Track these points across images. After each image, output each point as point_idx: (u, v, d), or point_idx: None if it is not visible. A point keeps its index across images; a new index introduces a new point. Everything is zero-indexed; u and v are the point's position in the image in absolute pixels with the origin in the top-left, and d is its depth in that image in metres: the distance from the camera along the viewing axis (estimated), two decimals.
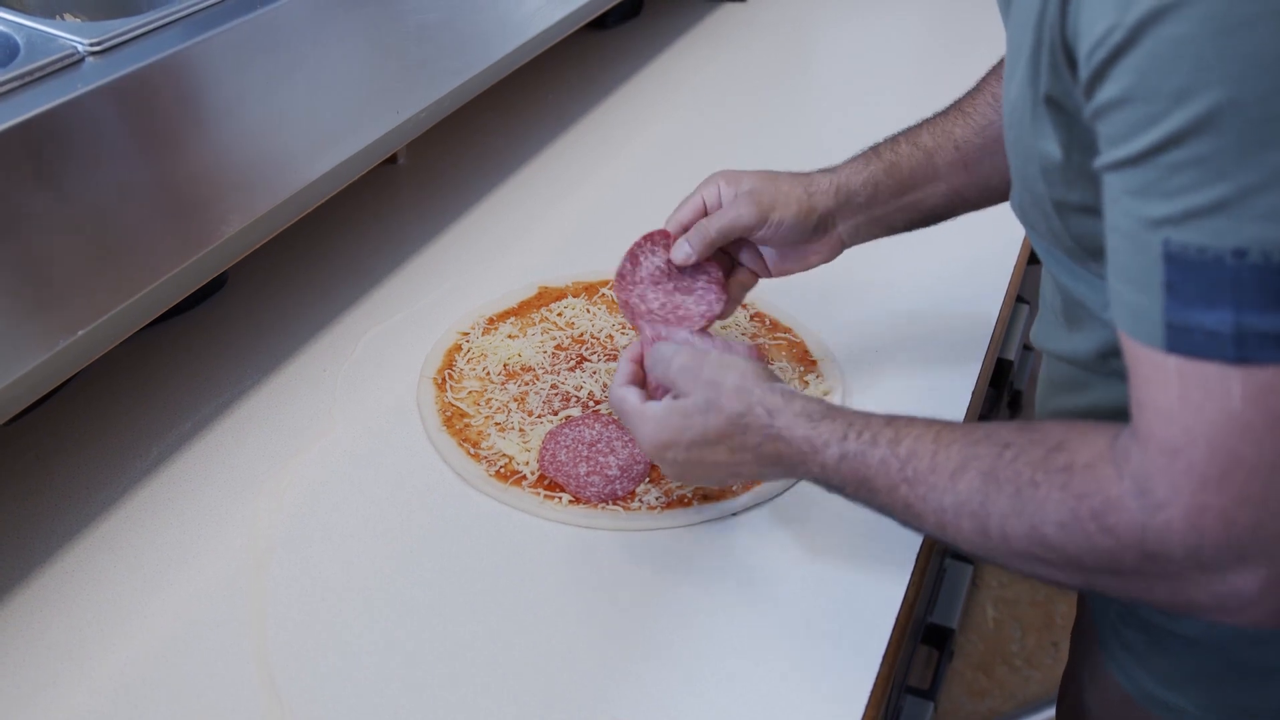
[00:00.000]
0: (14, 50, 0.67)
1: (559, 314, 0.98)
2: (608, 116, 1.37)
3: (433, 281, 1.05)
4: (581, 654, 0.69)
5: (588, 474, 0.80)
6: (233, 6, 0.75)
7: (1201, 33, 0.42)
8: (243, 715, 0.65)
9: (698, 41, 1.58)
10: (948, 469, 0.56)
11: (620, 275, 0.82)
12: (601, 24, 1.58)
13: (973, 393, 0.90)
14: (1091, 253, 0.57)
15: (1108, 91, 0.47)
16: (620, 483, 0.80)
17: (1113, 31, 0.45)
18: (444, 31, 0.96)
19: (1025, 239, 1.07)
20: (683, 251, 0.79)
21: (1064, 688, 0.88)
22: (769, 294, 0.99)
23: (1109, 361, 0.64)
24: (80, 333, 0.66)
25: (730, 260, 0.83)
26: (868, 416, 0.62)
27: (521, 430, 0.85)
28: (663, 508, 0.78)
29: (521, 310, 0.99)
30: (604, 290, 1.01)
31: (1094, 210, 0.52)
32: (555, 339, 0.95)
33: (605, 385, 0.89)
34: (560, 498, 0.79)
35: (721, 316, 0.82)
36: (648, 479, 0.80)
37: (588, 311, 0.98)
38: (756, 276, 0.83)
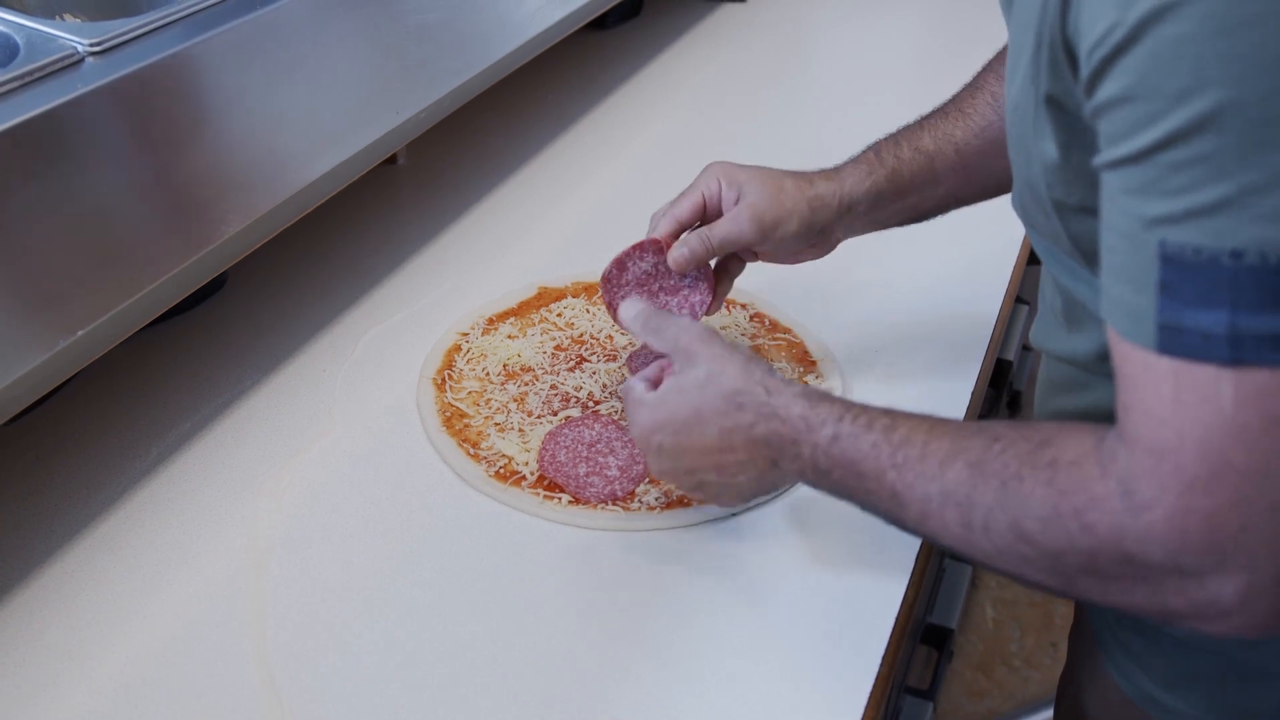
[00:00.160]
0: (14, 50, 0.67)
1: (559, 314, 0.98)
2: (608, 116, 1.37)
3: (433, 281, 1.05)
4: (581, 654, 0.69)
5: (587, 474, 0.80)
6: (233, 6, 0.75)
7: (1203, 32, 0.42)
8: (243, 715, 0.65)
9: (698, 41, 1.58)
10: (937, 458, 0.56)
11: (606, 279, 0.81)
12: (601, 24, 1.58)
13: (972, 393, 0.90)
14: (1089, 255, 0.57)
15: (1108, 89, 0.46)
16: (620, 483, 0.80)
17: (1114, 29, 0.45)
18: (444, 31, 0.96)
19: (1025, 239, 1.07)
20: (683, 253, 0.79)
21: (1062, 689, 0.88)
22: (769, 294, 0.99)
23: (1108, 362, 0.64)
24: (80, 333, 0.66)
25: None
26: (865, 405, 0.62)
27: (521, 431, 0.85)
28: (662, 508, 0.78)
29: (521, 310, 0.99)
30: None
31: (1093, 211, 0.52)
32: (555, 339, 0.95)
33: (605, 386, 0.89)
34: (560, 498, 0.79)
35: (710, 310, 0.82)
36: (647, 479, 0.80)
37: (587, 312, 0.98)
38: (744, 264, 0.84)
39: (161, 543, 0.77)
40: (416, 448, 0.85)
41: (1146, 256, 0.46)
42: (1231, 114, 0.42)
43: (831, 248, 0.83)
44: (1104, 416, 0.54)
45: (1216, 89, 0.42)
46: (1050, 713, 1.06)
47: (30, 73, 0.64)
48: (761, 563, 0.75)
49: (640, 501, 0.79)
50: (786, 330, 0.96)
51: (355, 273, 1.06)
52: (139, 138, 0.69)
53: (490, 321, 0.97)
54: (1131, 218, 0.47)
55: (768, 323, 0.97)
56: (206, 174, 0.74)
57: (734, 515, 0.78)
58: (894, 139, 0.81)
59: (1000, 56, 0.81)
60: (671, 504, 0.79)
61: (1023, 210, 0.64)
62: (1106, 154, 0.48)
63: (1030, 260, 1.11)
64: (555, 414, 0.86)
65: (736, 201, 0.79)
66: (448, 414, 0.87)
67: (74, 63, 0.66)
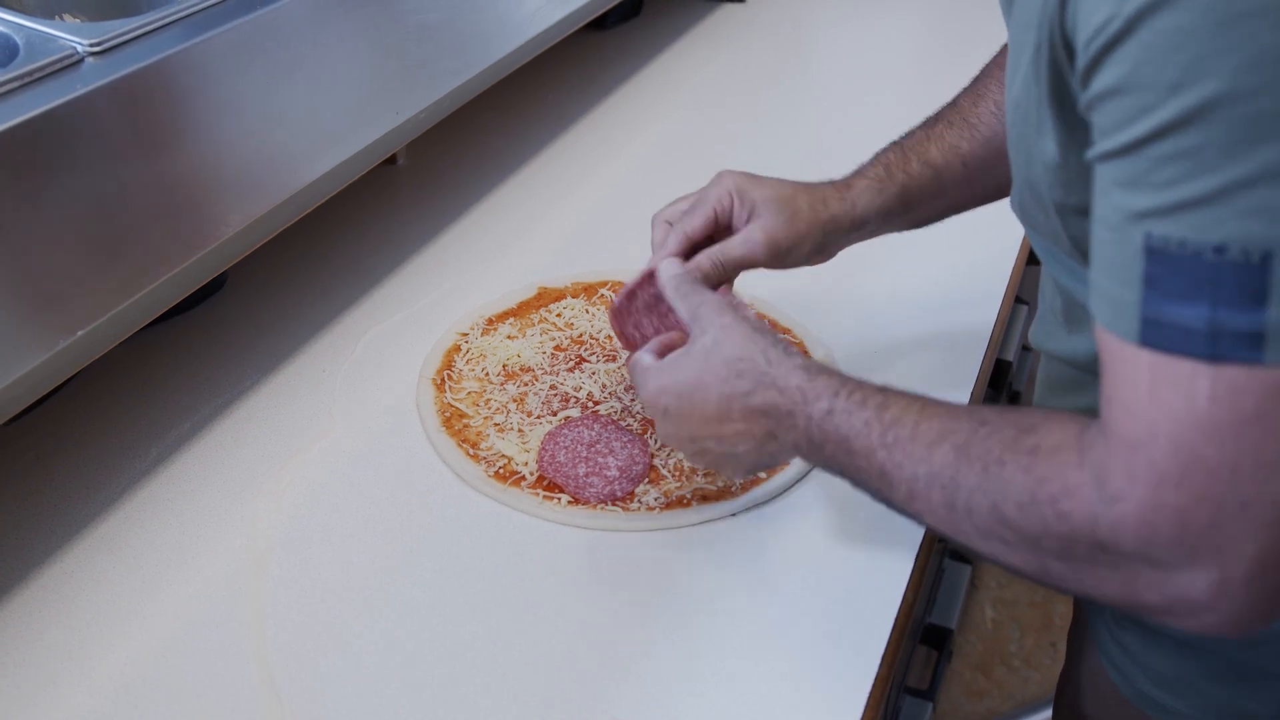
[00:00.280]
0: (14, 51, 0.67)
1: (558, 315, 0.98)
2: (608, 116, 1.37)
3: (432, 282, 1.05)
4: (581, 654, 0.69)
5: (587, 475, 0.80)
6: (233, 6, 0.75)
7: (1198, 25, 0.42)
8: (243, 715, 0.65)
9: (698, 41, 1.58)
10: (926, 440, 0.56)
11: (617, 311, 0.80)
12: (601, 24, 1.58)
13: (972, 393, 0.90)
14: (1087, 255, 0.57)
15: (1102, 81, 0.46)
16: (619, 483, 0.80)
17: (1110, 21, 0.45)
18: (444, 31, 0.96)
19: (1025, 239, 1.07)
20: (700, 269, 0.77)
21: (1061, 689, 0.88)
22: (769, 294, 0.99)
23: None
24: (80, 333, 0.66)
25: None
26: (861, 381, 0.62)
27: (521, 431, 0.85)
28: (662, 508, 0.78)
29: (521, 311, 0.99)
30: (603, 291, 1.01)
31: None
32: (554, 340, 0.95)
33: (604, 386, 0.90)
34: (559, 498, 0.79)
35: None
36: (647, 480, 0.80)
37: (587, 312, 0.98)
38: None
39: (161, 543, 0.77)
40: (416, 448, 0.85)
41: (1132, 249, 0.46)
42: (1222, 108, 0.42)
43: (832, 256, 0.82)
44: None
45: (1209, 82, 0.42)
46: (1049, 713, 1.06)
47: (30, 73, 0.64)
48: (761, 563, 0.75)
49: (640, 502, 0.79)
50: (786, 330, 0.96)
51: (355, 273, 1.06)
52: (139, 138, 0.69)
53: (490, 322, 0.97)
54: (1120, 211, 0.47)
55: (768, 323, 0.97)
56: (206, 174, 0.74)
57: (733, 516, 0.78)
58: (901, 152, 0.80)
59: (1000, 60, 0.81)
60: (671, 504, 0.79)
61: (1022, 210, 0.64)
62: (1099, 146, 0.48)
63: (1030, 260, 1.11)
64: (555, 414, 0.86)
65: (749, 219, 0.77)
66: (447, 414, 0.87)
67: (74, 63, 0.66)
